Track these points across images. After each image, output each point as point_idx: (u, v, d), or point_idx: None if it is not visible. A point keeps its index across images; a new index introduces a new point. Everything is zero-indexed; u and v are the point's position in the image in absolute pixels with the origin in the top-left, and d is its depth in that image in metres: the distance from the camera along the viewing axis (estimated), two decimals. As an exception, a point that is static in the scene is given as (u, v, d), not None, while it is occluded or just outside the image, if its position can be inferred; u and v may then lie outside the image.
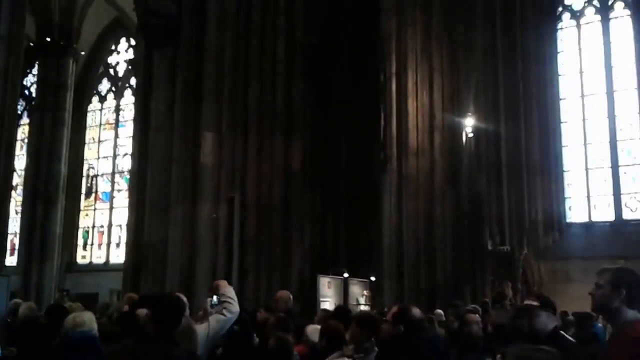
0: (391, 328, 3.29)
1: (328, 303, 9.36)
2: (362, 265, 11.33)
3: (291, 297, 5.96)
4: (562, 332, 3.19)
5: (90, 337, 3.81)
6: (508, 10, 14.71)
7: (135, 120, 12.25)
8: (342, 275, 10.27)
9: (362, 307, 10.06)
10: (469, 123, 12.34)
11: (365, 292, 10.67)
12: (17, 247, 19.51)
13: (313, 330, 4.64)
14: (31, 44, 18.44)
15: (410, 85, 12.04)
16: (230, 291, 3.86)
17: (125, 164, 20.45)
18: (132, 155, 11.81)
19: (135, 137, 11.66)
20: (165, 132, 10.61)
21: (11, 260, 18.51)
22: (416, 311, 3.40)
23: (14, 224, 19.16)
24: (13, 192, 17.85)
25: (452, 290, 10.88)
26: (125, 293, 8.85)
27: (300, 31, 10.96)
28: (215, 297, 3.91)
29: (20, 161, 19.45)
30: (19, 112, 19.43)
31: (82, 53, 20.31)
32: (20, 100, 18.90)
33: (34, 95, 20.59)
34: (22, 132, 20.84)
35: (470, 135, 12.44)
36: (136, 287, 9.97)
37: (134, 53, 18.74)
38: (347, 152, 12.43)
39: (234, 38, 10.49)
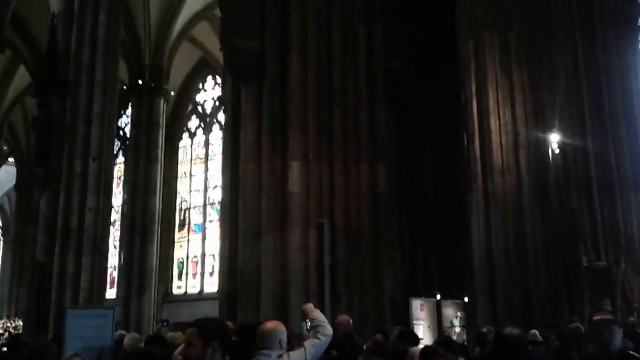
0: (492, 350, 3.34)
1: (422, 326, 9.35)
2: (454, 286, 11.21)
3: (350, 321, 6.05)
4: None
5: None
6: (588, 25, 14.36)
7: (224, 153, 12.81)
8: (435, 297, 10.20)
9: (457, 329, 9.96)
10: (554, 139, 12.07)
11: (459, 314, 10.54)
12: (115, 280, 20.59)
13: (416, 353, 4.73)
14: (124, 87, 19.72)
15: (492, 104, 11.96)
16: (319, 314, 3.93)
17: (216, 195, 21.28)
18: (223, 186, 12.30)
19: (225, 169, 12.18)
20: (254, 163, 11.05)
21: (110, 293, 19.54)
22: (514, 331, 3.42)
23: (113, 258, 20.28)
24: (111, 227, 18.94)
25: (549, 309, 10.57)
26: (223, 320, 9.18)
27: (380, 58, 11.20)
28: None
29: (117, 198, 20.63)
30: (115, 151, 20.67)
31: (172, 93, 21.50)
32: (116, 140, 20.09)
33: (128, 134, 21.90)
34: (119, 170, 22.14)
35: (557, 151, 12.16)
36: (232, 315, 10.32)
37: (222, 90, 19.64)
38: (432, 173, 12.44)
39: (316, 69, 10.84)
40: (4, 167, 26.35)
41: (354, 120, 10.69)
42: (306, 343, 3.71)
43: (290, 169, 10.47)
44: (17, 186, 27.70)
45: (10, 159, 27.52)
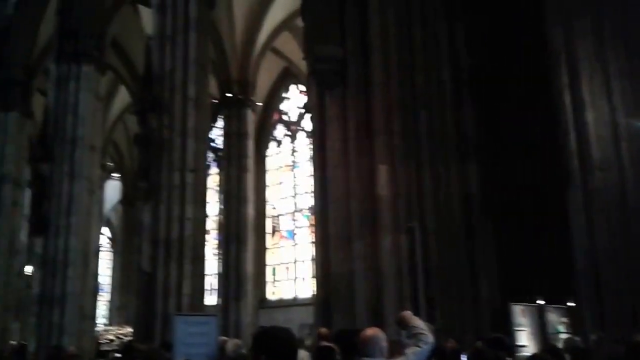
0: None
1: (525, 332, 9.00)
2: (557, 290, 10.69)
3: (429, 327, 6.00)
4: None
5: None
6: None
7: (313, 159, 12.95)
8: (536, 302, 9.75)
9: (563, 336, 9.49)
10: (659, 128, 11.26)
11: (563, 320, 10.01)
12: (212, 287, 21.27)
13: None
14: (215, 101, 20.45)
15: (587, 96, 11.31)
16: (419, 322, 3.87)
17: (303, 202, 21.58)
18: (314, 193, 12.41)
19: (314, 175, 12.31)
20: (341, 169, 11.08)
21: (210, 300, 20.19)
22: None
23: (211, 266, 20.95)
24: (208, 236, 19.55)
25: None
26: (318, 327, 9.26)
27: (464, 55, 10.93)
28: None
29: (212, 207, 21.34)
30: (208, 162, 21.36)
31: (259, 104, 22.07)
32: (209, 152, 20.74)
33: (219, 146, 22.66)
34: (213, 180, 22.95)
35: (664, 140, 11.33)
36: (327, 320, 10.39)
37: (307, 97, 19.91)
38: (526, 171, 11.96)
39: (399, 71, 10.73)
40: (109, 182, 28.03)
41: (440, 121, 10.48)
42: (407, 351, 3.69)
43: (377, 173, 10.41)
44: (123, 200, 29.45)
45: (115, 175, 29.25)
